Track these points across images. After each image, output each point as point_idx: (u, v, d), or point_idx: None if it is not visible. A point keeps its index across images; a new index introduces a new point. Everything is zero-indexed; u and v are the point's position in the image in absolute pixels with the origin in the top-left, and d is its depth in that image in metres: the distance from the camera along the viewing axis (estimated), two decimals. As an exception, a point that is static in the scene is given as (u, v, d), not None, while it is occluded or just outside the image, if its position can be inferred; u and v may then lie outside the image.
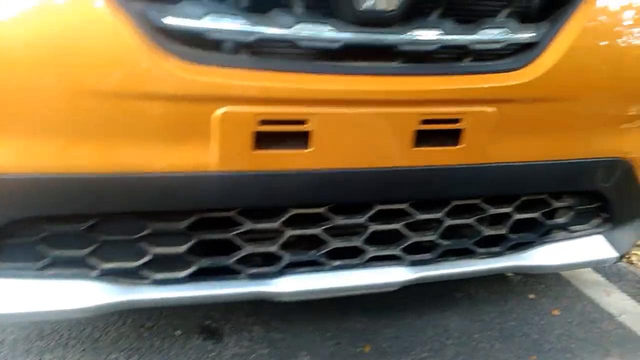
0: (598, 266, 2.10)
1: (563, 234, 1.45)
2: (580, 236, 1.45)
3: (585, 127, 1.26)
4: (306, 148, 1.08)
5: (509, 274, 2.12)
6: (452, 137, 1.17)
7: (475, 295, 1.99)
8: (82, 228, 1.08)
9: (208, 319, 1.72)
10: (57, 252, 1.10)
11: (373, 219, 1.25)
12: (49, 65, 0.93)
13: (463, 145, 1.17)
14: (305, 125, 1.06)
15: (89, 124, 0.99)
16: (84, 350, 1.54)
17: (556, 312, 1.92)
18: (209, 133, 1.03)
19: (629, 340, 1.80)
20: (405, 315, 1.83)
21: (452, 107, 1.14)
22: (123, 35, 0.94)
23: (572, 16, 1.18)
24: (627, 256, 2.53)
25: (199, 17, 0.98)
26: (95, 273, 1.12)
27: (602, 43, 1.20)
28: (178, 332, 1.65)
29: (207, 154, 1.05)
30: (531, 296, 2.01)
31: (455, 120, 1.15)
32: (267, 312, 1.78)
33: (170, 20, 0.98)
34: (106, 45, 0.94)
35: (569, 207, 1.43)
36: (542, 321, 1.87)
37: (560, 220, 1.44)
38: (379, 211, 1.25)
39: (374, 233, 1.28)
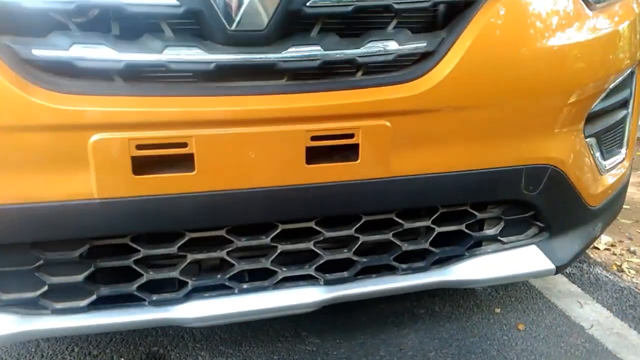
0: (535, 278, 2.02)
1: (495, 245, 1.40)
2: (513, 247, 1.39)
3: (494, 135, 1.22)
4: (191, 170, 1.07)
5: (478, 288, 2.06)
6: (348, 152, 1.14)
7: (439, 312, 1.93)
8: (-25, 260, 1.09)
9: (156, 345, 1.71)
10: (-47, 285, 1.11)
11: (279, 238, 1.23)
12: None
13: (360, 160, 1.15)
14: (186, 148, 1.06)
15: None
16: (25, 380, 1.56)
17: (521, 327, 1.85)
18: (87, 161, 1.03)
19: (595, 354, 1.72)
20: (361, 334, 1.79)
21: (342, 122, 1.12)
22: (-11, 70, 0.96)
23: (469, 24, 1.15)
24: (617, 264, 2.43)
25: (66, 48, 0.99)
26: (-6, 305, 1.13)
27: (503, 49, 1.16)
28: (122, 360, 1.65)
29: (88, 182, 1.05)
30: (497, 310, 1.94)
31: (349, 136, 1.13)
32: (218, 336, 1.76)
33: (38, 52, 0.99)
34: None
35: (497, 218, 1.38)
36: (504, 336, 1.80)
37: (489, 231, 1.39)
38: (287, 230, 1.23)
39: (286, 253, 1.25)
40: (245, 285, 1.24)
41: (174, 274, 1.19)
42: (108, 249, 1.16)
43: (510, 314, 1.92)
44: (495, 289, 2.08)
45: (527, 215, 1.38)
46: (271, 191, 1.13)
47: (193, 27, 1.04)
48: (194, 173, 1.07)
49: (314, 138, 1.11)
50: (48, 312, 1.15)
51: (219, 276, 1.22)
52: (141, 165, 1.05)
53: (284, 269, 1.25)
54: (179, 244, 1.16)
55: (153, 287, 1.21)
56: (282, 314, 1.28)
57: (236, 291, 1.23)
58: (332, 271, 1.29)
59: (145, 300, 1.19)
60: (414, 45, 1.14)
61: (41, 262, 1.12)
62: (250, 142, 1.09)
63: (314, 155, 1.12)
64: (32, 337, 1.16)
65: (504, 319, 1.90)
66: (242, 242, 1.20)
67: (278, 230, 1.21)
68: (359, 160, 1.15)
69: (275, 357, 1.68)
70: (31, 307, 1.15)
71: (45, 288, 1.14)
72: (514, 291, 2.07)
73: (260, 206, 1.14)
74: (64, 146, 1.02)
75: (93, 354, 1.67)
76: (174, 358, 1.67)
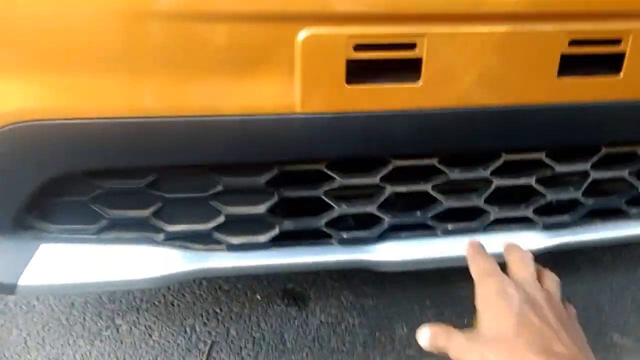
0: None
1: None
2: None
3: None
4: (416, 81, 0.83)
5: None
6: (609, 63, 0.88)
7: (599, 261, 1.69)
8: (144, 184, 0.90)
9: (291, 282, 1.54)
10: (117, 212, 0.92)
11: (499, 172, 0.99)
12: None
13: (624, 75, 0.88)
14: (414, 51, 0.81)
15: (146, 56, 0.78)
16: (158, 315, 1.41)
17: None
18: (291, 64, 0.80)
19: None
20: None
21: (611, 22, 0.85)
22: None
23: None
24: None
25: None
26: (160, 237, 0.94)
27: None
28: (258, 297, 1.48)
29: (289, 92, 0.82)
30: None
31: (615, 42, 0.86)
32: (357, 275, 1.58)
33: None
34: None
35: None
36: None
37: None
38: (506, 162, 0.99)
39: (501, 191, 1.02)
40: (450, 226, 1.01)
41: (370, 208, 0.97)
42: (295, 176, 0.94)
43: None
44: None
45: None
46: (508, 111, 0.88)
47: None
48: (419, 84, 0.83)
49: (572, 43, 0.84)
50: (222, 247, 0.96)
51: (421, 214, 1.00)
52: (356, 72, 0.81)
53: (497, 209, 1.02)
54: (382, 174, 0.94)
55: (339, 223, 1.00)
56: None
57: (439, 233, 1.01)
58: (547, 213, 1.05)
59: (333, 237, 0.99)
60: None
61: (220, 188, 0.91)
62: (493, 45, 0.83)
63: (566, 65, 0.86)
64: (202, 275, 0.99)
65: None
66: (454, 175, 0.97)
67: (500, 162, 0.97)
68: (621, 75, 0.88)
69: (427, 302, 1.50)
70: (203, 241, 0.96)
71: (222, 220, 0.94)
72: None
73: (494, 130, 0.90)
74: (263, 44, 0.79)
75: (224, 289, 1.52)
76: (314, 298, 1.50)
